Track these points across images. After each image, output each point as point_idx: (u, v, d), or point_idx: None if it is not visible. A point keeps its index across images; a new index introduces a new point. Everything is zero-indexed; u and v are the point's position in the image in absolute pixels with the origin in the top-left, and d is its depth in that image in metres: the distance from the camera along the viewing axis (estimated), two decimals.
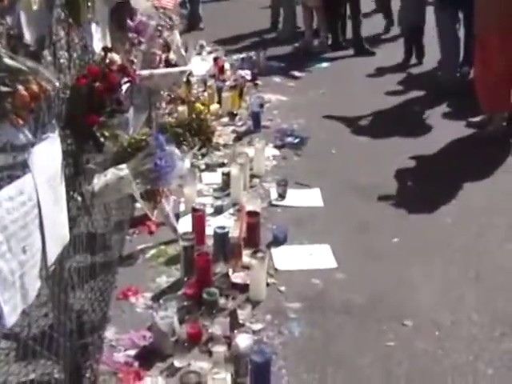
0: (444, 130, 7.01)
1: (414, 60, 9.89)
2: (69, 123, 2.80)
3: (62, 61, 2.91)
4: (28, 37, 2.27)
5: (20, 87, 1.83)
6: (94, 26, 3.35)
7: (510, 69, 6.49)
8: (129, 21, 3.52)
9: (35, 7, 2.26)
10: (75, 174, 3.04)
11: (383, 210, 5.23)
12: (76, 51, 3.18)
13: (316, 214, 5.12)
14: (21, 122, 1.86)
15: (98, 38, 3.41)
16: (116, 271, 4.27)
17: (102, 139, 2.87)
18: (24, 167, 2.17)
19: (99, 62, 3.01)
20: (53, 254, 2.45)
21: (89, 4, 2.97)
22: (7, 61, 1.84)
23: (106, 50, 3.07)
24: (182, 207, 5.10)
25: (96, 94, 2.78)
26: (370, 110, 7.65)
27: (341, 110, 7.60)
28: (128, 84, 3.20)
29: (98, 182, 3.30)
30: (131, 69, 3.30)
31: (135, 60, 4.04)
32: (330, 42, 10.97)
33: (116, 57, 3.05)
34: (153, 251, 4.56)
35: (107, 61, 2.98)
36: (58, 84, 2.35)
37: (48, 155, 2.41)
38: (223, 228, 4.38)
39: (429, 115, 7.51)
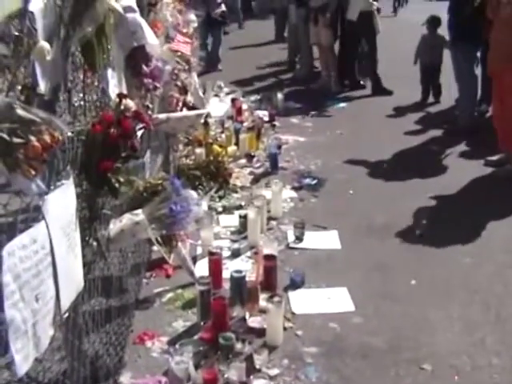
0: (462, 169, 6.99)
1: (431, 99, 9.92)
2: (84, 170, 2.81)
3: (76, 107, 2.93)
4: (42, 87, 2.28)
5: (32, 138, 1.84)
6: (109, 72, 3.37)
7: None
8: (144, 66, 3.55)
9: (49, 58, 2.28)
10: (90, 219, 3.04)
11: (402, 251, 5.19)
12: (91, 97, 3.21)
13: (334, 256, 5.08)
14: (33, 172, 1.87)
15: (114, 84, 3.42)
16: (132, 315, 4.25)
17: (116, 185, 2.87)
18: (39, 211, 2.18)
19: (114, 108, 3.03)
20: (67, 301, 2.44)
21: (104, 50, 2.98)
22: (20, 112, 1.85)
23: (120, 96, 3.09)
24: (199, 250, 5.08)
25: (111, 141, 2.79)
26: (388, 149, 7.65)
27: (358, 150, 7.62)
28: (143, 130, 3.22)
29: (114, 227, 3.31)
30: (146, 114, 3.32)
31: (151, 105, 4.06)
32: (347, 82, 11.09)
33: (131, 103, 3.06)
34: (170, 295, 4.54)
35: (122, 107, 2.99)
36: (70, 134, 2.37)
37: (62, 203, 2.41)
38: (240, 272, 4.36)
39: (447, 154, 7.50)
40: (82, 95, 3.00)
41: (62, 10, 2.58)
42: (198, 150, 6.54)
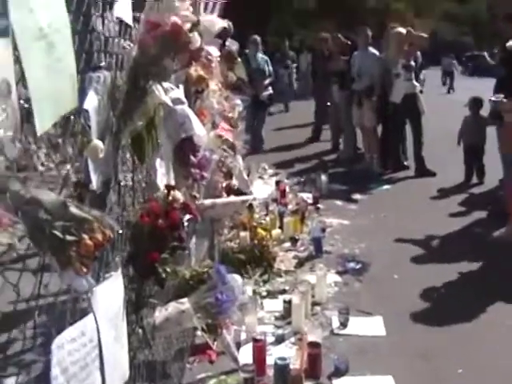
0: (508, 251, 6.90)
1: (475, 179, 9.90)
2: (131, 259, 2.85)
3: (126, 199, 3.00)
4: (95, 182, 2.35)
5: (85, 236, 1.89)
6: (158, 161, 3.45)
7: None
8: (192, 157, 3.62)
9: (101, 155, 2.35)
10: (137, 307, 3.07)
11: (447, 338, 5.08)
12: (140, 188, 3.28)
13: (378, 343, 5.00)
14: (85, 270, 1.91)
15: (162, 173, 3.50)
16: None
17: (163, 275, 2.91)
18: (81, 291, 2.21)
19: (162, 199, 3.09)
20: None
21: (154, 141, 3.06)
22: (73, 210, 1.90)
23: (168, 187, 3.16)
24: (243, 335, 5.06)
25: (158, 232, 2.84)
26: (433, 232, 7.61)
27: (403, 233, 7.58)
28: (190, 221, 3.28)
29: (159, 315, 3.33)
30: (193, 205, 3.37)
31: (197, 195, 4.13)
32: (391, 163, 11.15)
33: (178, 194, 3.12)
34: (213, 381, 4.50)
35: (170, 198, 3.05)
36: (121, 231, 2.43)
37: (110, 294, 2.45)
38: (284, 359, 4.32)
39: (491, 237, 7.42)
40: (130, 187, 3.07)
41: (115, 105, 2.67)
42: (243, 234, 6.57)
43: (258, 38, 13.42)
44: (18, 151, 1.88)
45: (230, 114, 6.21)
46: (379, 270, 6.50)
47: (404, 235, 7.51)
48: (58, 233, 1.85)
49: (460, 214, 8.48)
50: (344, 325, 5.23)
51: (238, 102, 6.71)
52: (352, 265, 6.57)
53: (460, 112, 10.53)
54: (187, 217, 3.10)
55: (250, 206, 7.04)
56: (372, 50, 11.25)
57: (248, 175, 7.68)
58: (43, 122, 1.98)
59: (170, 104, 3.24)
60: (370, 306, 5.61)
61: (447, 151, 11.01)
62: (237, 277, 4.00)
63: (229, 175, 5.80)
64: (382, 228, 7.86)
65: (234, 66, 7.34)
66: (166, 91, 3.14)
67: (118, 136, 2.72)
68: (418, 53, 11.40)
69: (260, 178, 9.74)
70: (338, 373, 4.55)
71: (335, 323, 5.29)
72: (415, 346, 4.95)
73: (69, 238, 1.87)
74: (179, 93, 3.70)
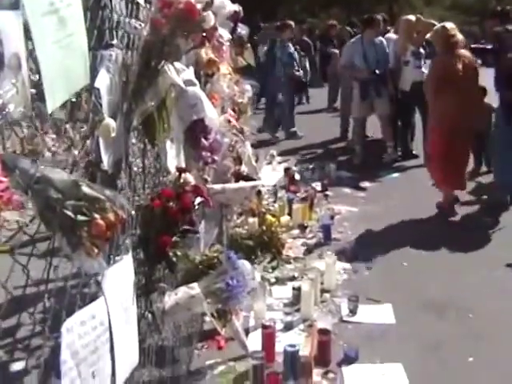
0: None
1: (484, 167, 9.82)
2: (141, 244, 2.81)
3: (136, 182, 2.95)
4: (106, 162, 2.30)
5: (97, 216, 1.84)
6: (168, 143, 3.39)
7: None
8: (203, 140, 3.56)
9: (113, 134, 2.30)
10: (146, 292, 3.03)
11: (457, 326, 5.05)
12: (150, 170, 3.24)
13: (388, 331, 4.96)
14: (96, 251, 1.86)
15: (173, 156, 3.44)
16: None
17: (174, 259, 2.87)
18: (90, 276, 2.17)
19: (173, 182, 3.04)
20: (122, 377, 2.41)
21: (165, 123, 3.00)
22: (85, 189, 1.85)
23: (180, 170, 3.11)
24: (252, 322, 5.02)
25: (169, 215, 2.80)
26: (442, 220, 7.57)
27: (412, 220, 7.56)
28: (201, 205, 3.23)
29: (169, 300, 3.29)
30: (204, 188, 3.33)
31: (209, 178, 4.08)
32: (399, 152, 11.06)
33: (190, 177, 3.08)
34: (221, 367, 4.47)
35: (181, 181, 3.01)
36: (133, 212, 2.38)
37: (121, 277, 2.41)
38: (293, 346, 4.28)
39: (502, 225, 7.36)
40: (141, 169, 3.03)
41: (126, 85, 2.62)
42: (251, 220, 6.53)
43: None
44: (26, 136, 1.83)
45: (240, 100, 6.16)
46: (388, 258, 6.46)
47: (414, 223, 7.49)
48: (69, 212, 1.80)
49: (470, 202, 8.38)
50: (353, 312, 5.20)
51: (248, 87, 6.66)
52: (361, 252, 6.52)
53: None
54: (198, 200, 3.05)
55: (259, 193, 7.00)
56: (380, 38, 11.13)
57: (256, 161, 7.63)
58: (54, 100, 1.93)
59: (182, 85, 3.18)
60: (380, 293, 5.57)
61: None
62: (246, 263, 3.96)
63: (238, 161, 5.74)
64: (391, 215, 7.79)
65: (244, 50, 7.29)
66: (177, 72, 3.08)
67: (129, 116, 2.67)
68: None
69: (268, 164, 9.67)
70: (348, 360, 4.52)
71: (344, 310, 5.25)
72: (425, 334, 4.91)
73: (80, 217, 1.82)
74: (191, 74, 3.64)
